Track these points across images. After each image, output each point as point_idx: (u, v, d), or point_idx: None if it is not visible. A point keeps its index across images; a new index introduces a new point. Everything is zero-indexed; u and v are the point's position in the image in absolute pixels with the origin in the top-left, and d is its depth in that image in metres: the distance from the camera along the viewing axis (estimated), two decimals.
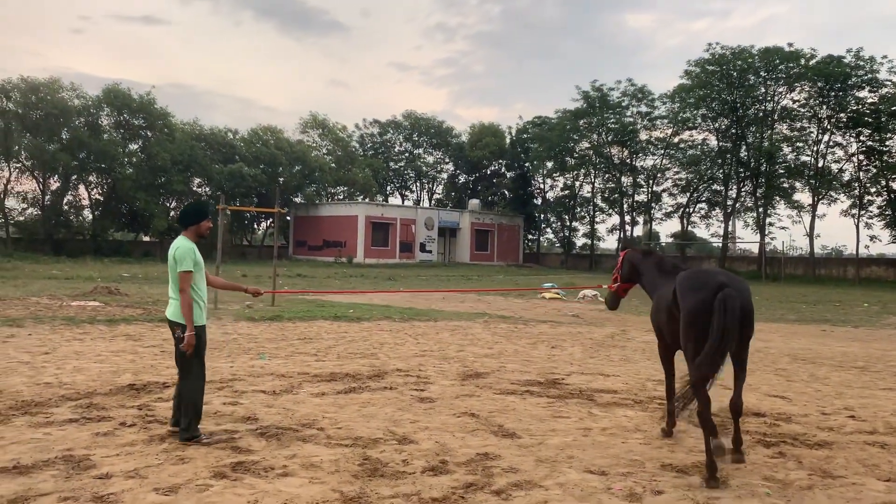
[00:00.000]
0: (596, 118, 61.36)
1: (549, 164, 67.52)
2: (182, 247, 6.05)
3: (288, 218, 58.70)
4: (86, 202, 51.66)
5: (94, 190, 51.79)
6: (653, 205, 62.79)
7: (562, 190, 69.55)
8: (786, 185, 53.48)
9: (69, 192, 50.37)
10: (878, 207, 50.42)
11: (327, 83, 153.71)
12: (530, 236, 72.72)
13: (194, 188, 55.76)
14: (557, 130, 62.53)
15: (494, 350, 12.09)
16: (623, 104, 60.89)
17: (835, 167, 52.39)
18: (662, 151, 61.19)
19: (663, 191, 62.74)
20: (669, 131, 59.80)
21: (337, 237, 55.62)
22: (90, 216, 51.68)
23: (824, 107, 51.26)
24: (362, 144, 72.97)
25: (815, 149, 52.46)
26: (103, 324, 13.56)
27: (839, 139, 52.00)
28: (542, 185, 72.26)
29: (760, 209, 54.30)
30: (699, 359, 5.53)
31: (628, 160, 63.12)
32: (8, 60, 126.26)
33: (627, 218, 64.06)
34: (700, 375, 5.57)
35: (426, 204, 73.20)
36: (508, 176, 73.26)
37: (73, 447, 5.63)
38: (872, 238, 50.66)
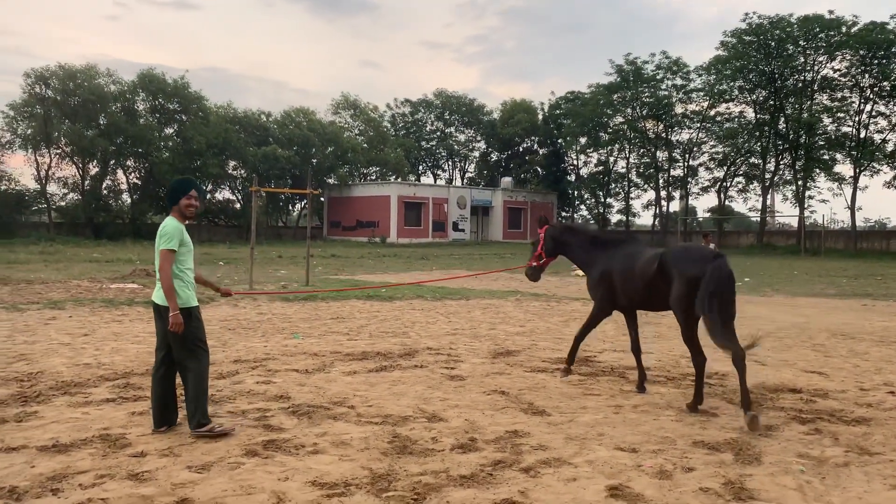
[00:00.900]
0: (630, 92, 60.44)
1: (583, 140, 66.80)
2: (168, 225, 5.76)
3: (321, 199, 59.08)
4: (124, 186, 52.58)
5: (132, 174, 52.62)
6: (689, 179, 61.87)
7: (595, 166, 68.92)
8: (826, 157, 52.22)
9: (108, 177, 51.22)
10: None
11: (358, 63, 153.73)
12: (564, 213, 72.21)
13: (229, 171, 56.38)
14: (591, 105, 61.75)
15: (526, 328, 12.06)
16: (658, 77, 59.87)
17: (877, 137, 51.00)
18: (698, 125, 60.14)
19: (699, 165, 61.83)
20: (705, 104, 58.71)
21: (370, 217, 55.87)
22: (129, 200, 52.59)
23: (866, 75, 49.80)
24: (394, 124, 72.94)
25: (856, 119, 51.10)
26: (141, 305, 13.83)
27: (882, 108, 50.57)
28: (575, 162, 71.62)
29: (800, 182, 53.15)
30: (714, 330, 6.45)
31: (663, 134, 62.17)
32: (46, 49, 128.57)
33: (663, 193, 63.24)
34: (721, 345, 6.51)
35: (458, 183, 73.06)
36: (541, 153, 72.66)
37: (110, 426, 5.77)
38: None
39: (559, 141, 69.25)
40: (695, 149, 61.24)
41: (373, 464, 4.99)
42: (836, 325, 13.19)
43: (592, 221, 70.95)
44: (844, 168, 52.82)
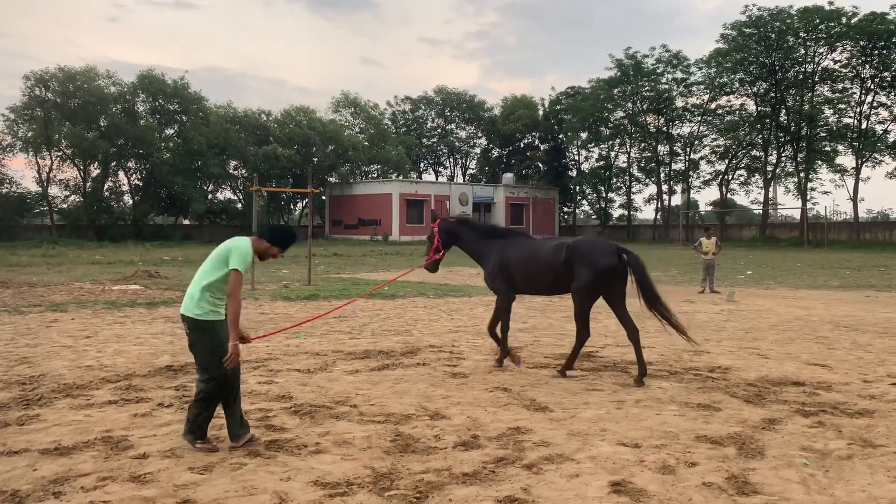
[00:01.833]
0: (630, 86, 60.39)
1: (584, 135, 66.77)
2: (243, 247, 5.30)
3: (323, 198, 59.09)
4: (125, 188, 52.71)
5: (133, 175, 52.72)
6: (690, 173, 61.84)
7: (597, 161, 68.93)
8: (828, 148, 52.15)
9: (109, 179, 51.33)
10: None
11: (358, 61, 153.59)
12: (566, 209, 72.17)
13: (230, 171, 56.41)
14: (591, 100, 61.69)
15: (528, 324, 12.05)
16: (658, 71, 59.81)
17: (879, 128, 50.94)
18: (699, 118, 60.09)
19: (701, 158, 61.81)
20: (706, 97, 58.67)
21: (372, 215, 55.87)
22: (130, 201, 52.68)
23: (867, 66, 49.71)
24: (395, 122, 72.91)
25: (857, 110, 51.05)
26: (143, 307, 13.84)
27: (883, 99, 50.53)
28: (576, 157, 71.61)
29: (802, 174, 53.06)
30: (662, 308, 7.79)
31: (664, 128, 62.13)
32: (46, 51, 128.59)
33: (664, 187, 63.21)
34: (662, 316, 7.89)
35: (460, 179, 73.05)
36: (542, 148, 72.63)
37: (112, 428, 5.76)
38: None
39: (560, 136, 69.21)
40: (696, 142, 61.19)
41: (375, 463, 4.98)
42: (840, 316, 13.16)
43: (595, 217, 71.02)
44: (846, 159, 52.61)
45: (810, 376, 7.87)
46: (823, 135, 51.95)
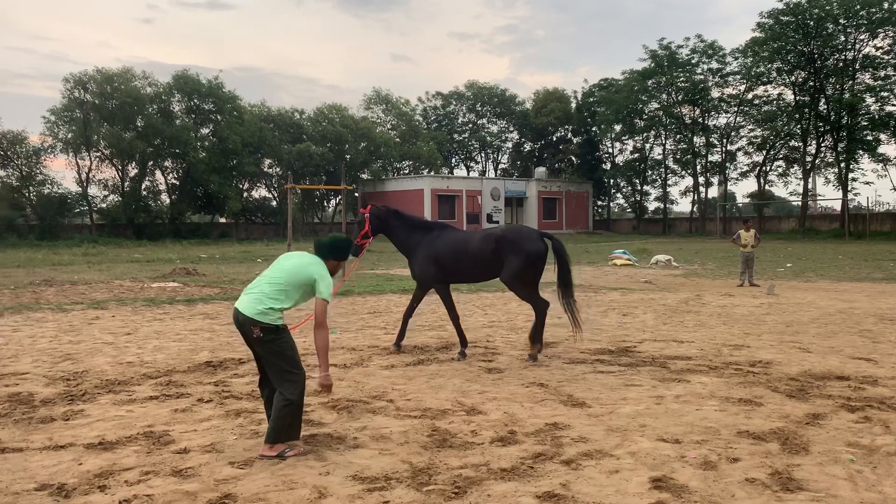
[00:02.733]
0: (665, 77, 59.55)
1: (618, 128, 66.06)
2: (328, 276, 5.29)
3: (356, 194, 59.36)
4: (163, 187, 53.56)
5: (170, 175, 53.57)
6: (727, 164, 60.83)
7: (631, 153, 68.17)
8: (870, 137, 50.86)
9: (147, 178, 52.18)
10: None
11: (389, 58, 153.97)
12: (600, 202, 71.54)
13: (265, 169, 57.01)
14: (625, 92, 61.01)
15: (564, 319, 11.91)
16: (693, 62, 58.92)
17: None
18: (736, 109, 59.09)
19: (738, 149, 60.78)
20: (743, 87, 57.70)
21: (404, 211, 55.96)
22: (167, 200, 53.53)
23: None
24: (426, 118, 72.95)
25: None
26: (182, 304, 14.04)
27: None
28: (610, 150, 70.95)
29: (842, 164, 51.87)
30: (567, 292, 8.66)
31: (700, 119, 61.21)
32: (84, 54, 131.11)
33: (701, 179, 62.36)
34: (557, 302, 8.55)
35: (491, 174, 72.80)
36: (575, 142, 72.06)
37: (154, 423, 5.85)
38: None
39: (593, 129, 68.57)
40: (732, 133, 60.21)
41: (413, 457, 4.98)
42: (884, 309, 12.83)
43: (630, 210, 70.32)
44: (889, 148, 51.71)
45: (855, 370, 7.69)
46: (865, 124, 50.69)
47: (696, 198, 63.08)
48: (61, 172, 75.45)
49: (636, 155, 67.07)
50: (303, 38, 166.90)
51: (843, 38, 50.38)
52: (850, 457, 4.92)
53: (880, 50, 49.71)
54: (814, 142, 54.50)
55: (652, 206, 69.37)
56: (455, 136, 73.44)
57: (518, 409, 6.24)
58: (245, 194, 56.32)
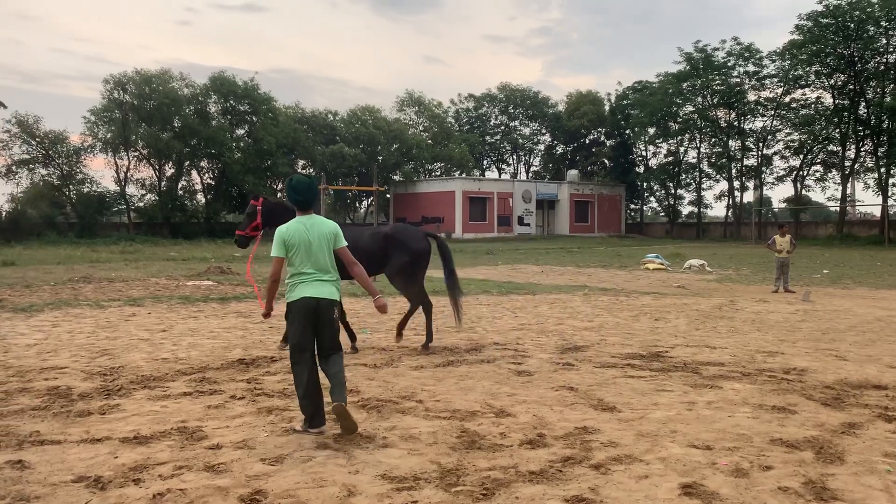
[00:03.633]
0: (700, 80, 58.88)
1: (651, 131, 65.48)
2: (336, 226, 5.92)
3: (387, 195, 59.66)
4: (198, 187, 54.33)
5: (206, 175, 54.31)
6: (763, 169, 59.91)
7: (665, 157, 67.48)
8: None
9: (183, 178, 52.98)
10: None
11: (422, 60, 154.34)
12: (632, 206, 70.93)
13: (298, 170, 57.51)
14: (659, 95, 60.43)
15: (594, 323, 11.89)
16: (729, 64, 58.17)
17: None
18: (772, 112, 58.18)
19: (774, 154, 59.88)
20: (780, 91, 56.80)
21: (435, 213, 56.10)
22: (203, 200, 54.29)
23: None
24: (458, 120, 73.04)
25: None
26: (216, 302, 14.24)
27: None
28: (643, 153, 70.34)
29: (882, 169, 50.77)
30: (457, 290, 9.38)
31: (736, 123, 60.39)
32: (123, 55, 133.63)
33: (736, 183, 61.52)
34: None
35: (523, 176, 72.63)
36: (608, 144, 71.59)
37: (188, 419, 5.95)
38: None
39: (627, 132, 68.04)
40: (769, 137, 59.30)
41: (441, 458, 5.00)
42: None
43: (663, 214, 69.61)
44: None
45: (893, 380, 7.53)
46: None
47: (730, 202, 62.29)
48: (100, 172, 77.51)
49: (670, 158, 66.42)
50: (337, 40, 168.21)
51: (884, 41, 49.36)
52: (887, 467, 4.83)
53: None
54: (853, 146, 53.45)
55: (686, 210, 68.69)
56: (487, 138, 73.43)
57: (547, 412, 6.23)
58: (279, 194, 56.89)
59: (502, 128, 74.28)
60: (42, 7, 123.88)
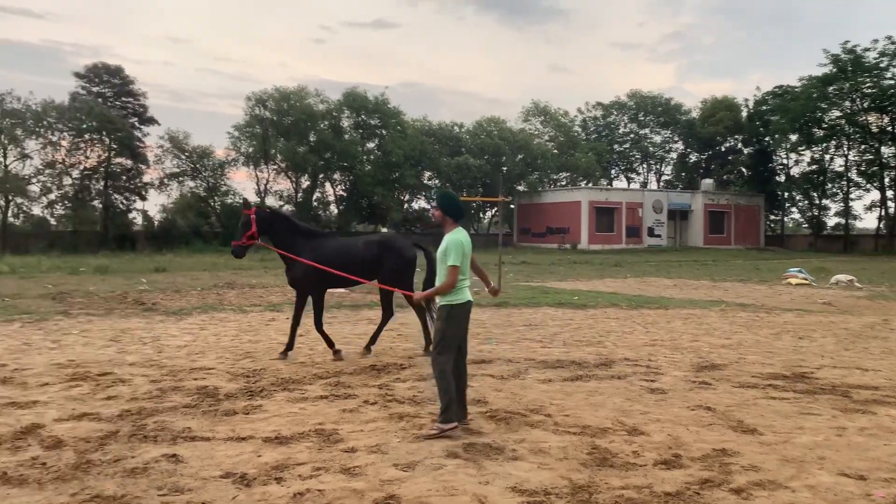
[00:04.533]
0: (848, 83, 54.99)
1: (793, 138, 61.72)
2: (449, 243, 6.53)
3: (511, 206, 59.64)
4: (331, 198, 56.58)
5: (338, 187, 56.43)
6: None
7: (808, 165, 63.44)
8: None
9: (317, 190, 55.36)
10: None
11: (548, 69, 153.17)
12: (772, 217, 67.21)
13: (425, 181, 58.71)
14: (802, 100, 56.95)
15: (732, 340, 11.35)
16: (881, 65, 53.95)
17: None
18: None
19: None
20: None
21: (560, 224, 55.49)
22: (335, 210, 56.44)
23: None
24: (585, 128, 72.01)
25: None
26: (348, 309, 14.75)
27: None
28: (784, 161, 66.43)
29: None
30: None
31: (889, 128, 55.95)
32: (263, 73, 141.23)
33: (889, 193, 56.95)
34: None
35: (653, 186, 70.52)
36: (745, 152, 68.25)
37: (324, 421, 6.19)
38: None
39: (766, 139, 64.57)
40: None
41: (572, 474, 4.92)
42: None
43: (806, 225, 65.57)
44: None
45: None
46: None
47: (883, 213, 57.73)
48: (242, 184, 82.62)
49: (814, 167, 62.40)
50: (464, 53, 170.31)
51: None
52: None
53: None
54: None
55: (831, 221, 64.35)
56: (615, 146, 71.91)
57: (683, 432, 6.00)
58: (406, 205, 58.26)
59: (632, 136, 72.51)
60: (189, 30, 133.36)
